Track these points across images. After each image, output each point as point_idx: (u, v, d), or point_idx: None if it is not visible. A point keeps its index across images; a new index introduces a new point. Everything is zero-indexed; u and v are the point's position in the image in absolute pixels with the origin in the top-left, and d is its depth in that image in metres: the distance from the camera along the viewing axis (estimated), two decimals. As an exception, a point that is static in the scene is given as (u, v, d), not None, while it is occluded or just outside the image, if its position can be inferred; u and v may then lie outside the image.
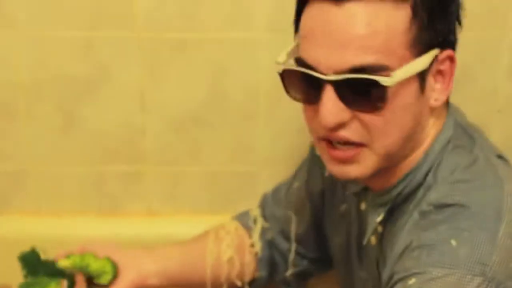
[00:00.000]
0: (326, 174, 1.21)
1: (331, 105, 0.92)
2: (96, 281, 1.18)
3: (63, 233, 1.52)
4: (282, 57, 0.98)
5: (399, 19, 0.91)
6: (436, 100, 0.97)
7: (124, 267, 1.18)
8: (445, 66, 0.96)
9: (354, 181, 1.06)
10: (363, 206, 1.12)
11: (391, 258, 1.00)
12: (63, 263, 1.11)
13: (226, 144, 1.51)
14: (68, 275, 1.14)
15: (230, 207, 1.50)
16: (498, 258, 0.89)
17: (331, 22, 0.91)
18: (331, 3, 0.90)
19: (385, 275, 1.02)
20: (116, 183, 1.55)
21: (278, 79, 1.08)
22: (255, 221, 1.35)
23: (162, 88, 1.46)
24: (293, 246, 1.33)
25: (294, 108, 1.31)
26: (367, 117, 0.94)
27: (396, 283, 0.93)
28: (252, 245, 1.32)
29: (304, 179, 1.31)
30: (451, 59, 0.96)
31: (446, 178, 0.99)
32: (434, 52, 0.94)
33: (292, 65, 0.98)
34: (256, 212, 1.36)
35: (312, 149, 1.29)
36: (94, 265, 1.15)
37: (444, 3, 0.95)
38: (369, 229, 1.08)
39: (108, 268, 1.13)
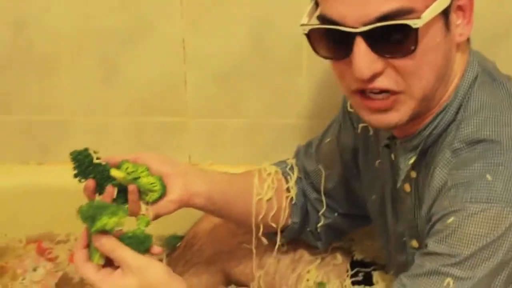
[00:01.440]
0: (359, 130, 1.23)
1: (364, 57, 0.93)
2: (141, 196, 1.17)
3: None
4: (304, 19, 0.99)
5: None
6: (461, 35, 0.98)
7: (174, 182, 1.16)
8: (464, 1, 0.98)
9: (389, 130, 1.07)
10: (393, 156, 1.13)
11: (428, 200, 1.02)
12: (115, 173, 1.10)
13: (267, 96, 1.51)
14: (119, 182, 1.13)
15: (270, 159, 1.43)
16: None
17: None
18: None
19: (422, 219, 1.04)
20: (157, 134, 1.57)
21: None
22: (291, 169, 1.36)
23: (204, 40, 1.46)
24: (323, 198, 1.35)
25: None
26: (400, 63, 0.94)
27: (435, 223, 0.95)
28: (288, 191, 1.33)
29: (335, 134, 1.32)
30: None
31: (475, 114, 1.00)
32: None
33: (317, 24, 0.98)
34: (292, 161, 1.37)
35: (344, 106, 1.30)
36: (145, 180, 1.14)
37: None
38: (402, 174, 1.08)
39: (158, 187, 1.12)
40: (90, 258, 1.00)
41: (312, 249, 1.41)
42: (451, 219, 0.92)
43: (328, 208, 1.34)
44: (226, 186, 1.26)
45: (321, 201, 1.35)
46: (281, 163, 1.37)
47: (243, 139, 1.54)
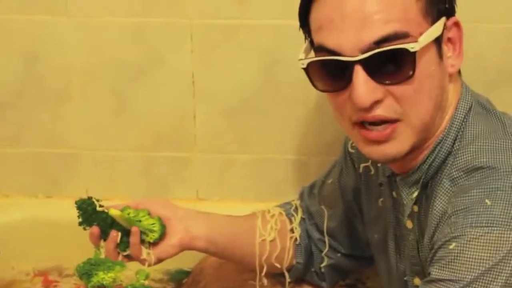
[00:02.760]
0: (361, 170, 1.23)
1: (364, 85, 0.93)
2: (142, 237, 1.18)
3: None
4: (301, 55, 1.00)
5: None
6: (452, 66, 1.00)
7: (175, 225, 1.18)
8: (453, 33, 1.00)
9: (388, 163, 1.06)
10: (394, 194, 1.12)
11: (429, 230, 1.01)
12: (113, 212, 1.12)
13: (276, 132, 1.51)
14: (123, 228, 1.15)
15: (278, 195, 1.48)
16: None
17: (345, 5, 0.93)
18: None
19: (424, 254, 1.03)
20: (165, 168, 1.56)
21: None
22: (296, 210, 1.36)
23: (213, 75, 1.46)
24: (326, 238, 1.34)
25: None
26: (399, 90, 0.94)
27: (437, 251, 0.94)
28: (293, 231, 1.34)
29: (337, 175, 1.32)
30: (457, 26, 1.00)
31: (471, 143, 1.00)
32: (443, 20, 0.97)
33: (315, 56, 0.99)
34: (296, 202, 1.37)
35: (345, 146, 1.30)
36: (145, 222, 1.16)
37: None
38: (407, 210, 1.08)
39: (157, 227, 1.14)
40: None
41: None
42: (452, 245, 0.92)
43: (331, 248, 1.34)
44: (228, 228, 1.27)
45: (324, 241, 1.35)
46: (286, 205, 1.37)
47: (251, 175, 1.53)
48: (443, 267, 0.93)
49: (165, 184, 1.57)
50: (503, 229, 0.91)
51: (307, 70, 1.01)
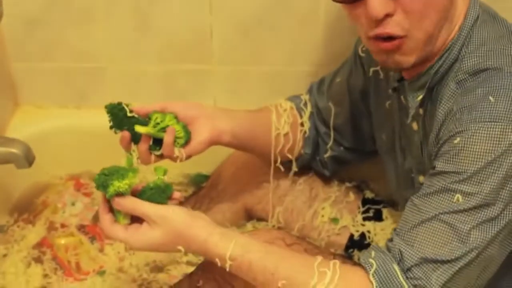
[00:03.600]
0: (370, 74, 1.26)
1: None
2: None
3: None
4: None
5: None
6: None
7: (204, 123, 1.21)
8: None
9: (401, 70, 1.10)
10: (403, 98, 1.16)
11: (435, 128, 1.04)
12: (139, 129, 1.12)
13: (287, 45, 1.53)
14: (153, 134, 1.15)
15: None
16: None
17: None
18: None
19: (429, 153, 1.06)
20: (185, 80, 1.59)
21: None
22: (305, 104, 1.40)
23: None
24: (332, 133, 1.39)
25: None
26: (409, 3, 0.96)
27: (442, 145, 0.98)
28: (302, 125, 1.38)
29: (345, 75, 1.35)
30: None
31: (477, 49, 1.03)
32: None
33: None
34: (306, 97, 1.41)
35: (356, 49, 1.32)
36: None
37: None
38: (411, 111, 1.11)
39: (182, 134, 1.15)
40: (116, 220, 1.04)
41: (327, 188, 1.47)
42: (457, 140, 0.95)
43: (335, 141, 1.39)
44: (248, 123, 1.30)
45: (330, 135, 1.39)
46: (295, 98, 1.40)
47: (264, 85, 1.56)
48: (448, 160, 0.96)
49: (185, 94, 1.60)
50: (505, 124, 0.93)
51: None
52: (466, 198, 0.93)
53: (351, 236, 1.40)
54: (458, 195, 0.93)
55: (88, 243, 1.49)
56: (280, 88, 1.53)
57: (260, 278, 0.99)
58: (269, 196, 1.42)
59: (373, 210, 1.45)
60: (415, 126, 1.13)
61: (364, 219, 1.44)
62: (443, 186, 0.94)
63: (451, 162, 0.95)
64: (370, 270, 0.96)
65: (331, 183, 1.47)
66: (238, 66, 1.57)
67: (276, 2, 1.46)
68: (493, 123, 0.93)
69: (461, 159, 0.94)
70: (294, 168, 1.38)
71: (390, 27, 0.97)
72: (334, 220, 1.43)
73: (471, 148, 0.94)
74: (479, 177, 0.93)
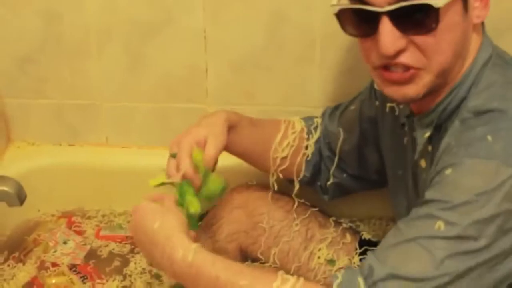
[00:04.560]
0: (387, 110, 1.27)
1: (388, 35, 0.96)
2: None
3: (129, 163, 1.60)
4: (334, 1, 1.02)
5: None
6: (478, 17, 1.01)
7: (214, 137, 1.22)
8: None
9: (407, 103, 1.10)
10: (414, 134, 1.16)
11: (435, 163, 1.04)
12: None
13: (282, 85, 1.53)
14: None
15: None
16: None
17: None
18: None
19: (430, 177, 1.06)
20: (179, 119, 1.58)
21: (332, 24, 1.11)
22: (316, 128, 1.41)
23: (224, 31, 1.47)
24: (336, 158, 1.39)
25: (346, 51, 1.44)
26: (422, 40, 0.97)
27: (434, 177, 0.98)
28: (306, 148, 1.39)
29: (359, 104, 1.36)
30: None
31: (485, 90, 1.03)
32: None
33: (346, 4, 1.00)
34: (319, 120, 1.42)
35: (372, 82, 1.32)
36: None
37: None
38: (418, 147, 1.12)
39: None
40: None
41: (323, 229, 1.46)
42: (449, 171, 0.96)
43: (338, 168, 1.39)
44: (253, 138, 1.33)
45: (333, 160, 1.40)
46: (309, 120, 1.42)
47: None
48: (436, 189, 0.97)
49: (178, 132, 1.50)
50: (500, 163, 0.93)
51: (338, 15, 1.03)
52: (448, 227, 0.93)
53: None
54: (440, 222, 0.93)
55: (79, 283, 1.47)
56: None
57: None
58: (265, 237, 1.41)
59: (370, 252, 1.43)
60: (423, 163, 1.13)
61: (361, 260, 1.41)
62: (428, 212, 0.95)
63: (439, 191, 0.96)
64: (335, 282, 0.96)
65: (327, 224, 1.47)
66: (232, 105, 1.53)
67: (271, 41, 1.47)
68: (487, 160, 0.93)
69: (450, 189, 0.95)
70: (296, 187, 1.39)
71: (405, 59, 0.98)
72: (331, 262, 1.41)
73: (461, 180, 0.95)
74: (464, 209, 0.93)
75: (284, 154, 1.36)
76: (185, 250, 1.04)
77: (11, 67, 1.55)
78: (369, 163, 1.38)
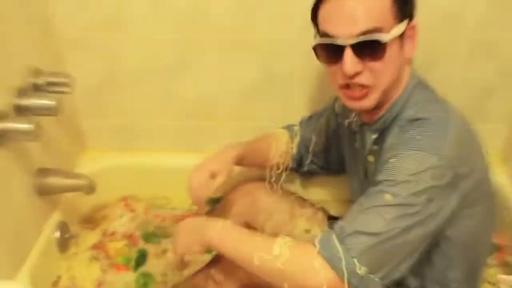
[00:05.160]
0: (346, 124, 1.34)
1: (350, 61, 1.04)
2: None
3: (163, 164, 1.73)
4: (312, 42, 1.12)
5: (387, 0, 1.05)
6: (408, 53, 1.11)
7: (224, 172, 1.29)
8: (412, 32, 1.11)
9: (363, 111, 1.16)
10: (364, 139, 1.24)
11: (383, 158, 1.10)
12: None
13: (274, 107, 1.65)
14: None
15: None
16: (449, 147, 1.03)
17: (343, 6, 1.04)
18: None
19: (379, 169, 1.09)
20: (198, 133, 1.71)
21: (307, 63, 1.35)
22: (296, 134, 1.48)
23: (231, 71, 1.59)
24: (310, 155, 1.48)
25: (317, 84, 1.57)
26: (374, 65, 1.06)
27: (382, 165, 1.05)
28: (292, 149, 1.48)
29: (325, 119, 1.44)
30: (415, 27, 1.11)
31: (414, 105, 1.11)
32: (405, 22, 1.08)
33: (322, 40, 1.09)
34: (297, 127, 1.49)
35: (333, 106, 1.40)
36: None
37: None
38: (368, 147, 1.20)
39: None
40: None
41: (302, 209, 1.52)
42: (392, 160, 1.04)
43: (311, 161, 1.49)
44: (254, 152, 1.39)
45: (308, 156, 1.48)
46: (290, 128, 1.49)
47: (255, 135, 1.55)
48: (384, 173, 1.03)
49: (198, 142, 1.70)
50: (426, 153, 1.01)
51: (314, 49, 1.11)
52: (393, 197, 1.00)
53: None
54: (388, 195, 1.00)
55: (128, 247, 1.59)
56: None
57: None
58: (263, 215, 1.48)
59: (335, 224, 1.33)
60: (371, 159, 1.22)
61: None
62: (379, 189, 1.02)
63: (385, 173, 1.03)
64: (316, 239, 1.03)
65: (305, 205, 1.54)
66: (236, 122, 1.68)
67: (264, 78, 1.60)
68: (418, 151, 1.02)
69: (394, 172, 1.02)
70: (283, 177, 1.47)
71: (360, 79, 1.07)
72: (307, 231, 1.48)
73: (401, 165, 1.02)
74: (404, 185, 1.00)
75: (276, 161, 1.45)
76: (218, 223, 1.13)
77: (86, 94, 1.63)
78: (332, 159, 1.47)
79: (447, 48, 1.54)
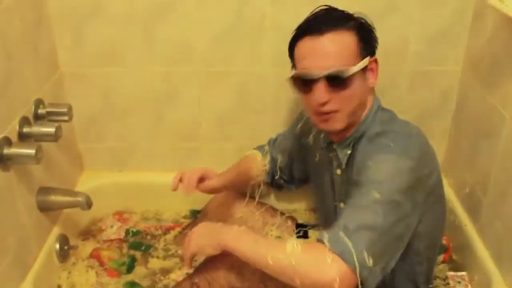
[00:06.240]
0: (309, 139, 1.36)
1: (320, 91, 1.09)
2: None
3: (156, 182, 1.69)
4: (288, 74, 1.16)
5: (352, 41, 1.10)
6: (371, 83, 1.16)
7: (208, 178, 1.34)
8: (373, 65, 1.16)
9: (333, 133, 1.18)
10: (331, 154, 1.25)
11: (355, 167, 1.12)
12: None
13: (249, 129, 1.66)
14: None
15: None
16: (416, 151, 1.07)
17: (316, 46, 1.09)
18: (316, 35, 1.09)
19: (350, 184, 1.12)
20: (184, 153, 1.71)
21: (279, 92, 1.40)
22: (266, 153, 1.51)
23: (211, 100, 1.62)
24: (278, 172, 1.50)
25: (284, 112, 1.60)
26: (340, 94, 1.10)
27: (360, 171, 1.07)
28: (265, 166, 1.50)
29: (289, 140, 1.46)
30: (376, 62, 1.17)
31: (381, 122, 1.15)
32: (368, 58, 1.13)
33: (296, 72, 1.14)
34: (267, 147, 1.52)
35: (295, 127, 1.43)
36: None
37: (371, 31, 1.16)
38: (343, 162, 1.20)
39: None
40: None
41: (273, 218, 1.54)
42: (369, 163, 1.06)
43: (280, 176, 1.50)
44: (236, 175, 1.44)
45: (276, 172, 1.50)
46: (261, 148, 1.52)
47: (234, 155, 1.61)
48: (362, 174, 1.05)
49: (184, 162, 1.70)
50: (399, 156, 1.05)
51: (290, 80, 1.15)
52: (380, 195, 1.01)
53: None
54: (375, 192, 1.01)
55: (120, 252, 1.56)
56: (242, 154, 1.60)
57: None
58: (239, 223, 1.42)
59: (302, 231, 1.56)
60: (339, 171, 1.24)
61: (298, 237, 1.53)
62: (366, 189, 1.02)
63: (364, 174, 1.06)
64: (325, 237, 0.99)
65: (276, 214, 1.56)
66: (217, 144, 1.70)
67: (239, 105, 1.62)
68: (392, 154, 1.06)
69: (371, 172, 1.05)
70: (259, 192, 1.50)
71: (329, 107, 1.11)
72: (278, 238, 1.49)
73: (377, 166, 1.05)
74: (387, 184, 1.02)
75: (260, 179, 1.49)
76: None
77: (83, 123, 1.64)
78: (295, 175, 1.49)
79: (392, 79, 1.60)
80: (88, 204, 1.42)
